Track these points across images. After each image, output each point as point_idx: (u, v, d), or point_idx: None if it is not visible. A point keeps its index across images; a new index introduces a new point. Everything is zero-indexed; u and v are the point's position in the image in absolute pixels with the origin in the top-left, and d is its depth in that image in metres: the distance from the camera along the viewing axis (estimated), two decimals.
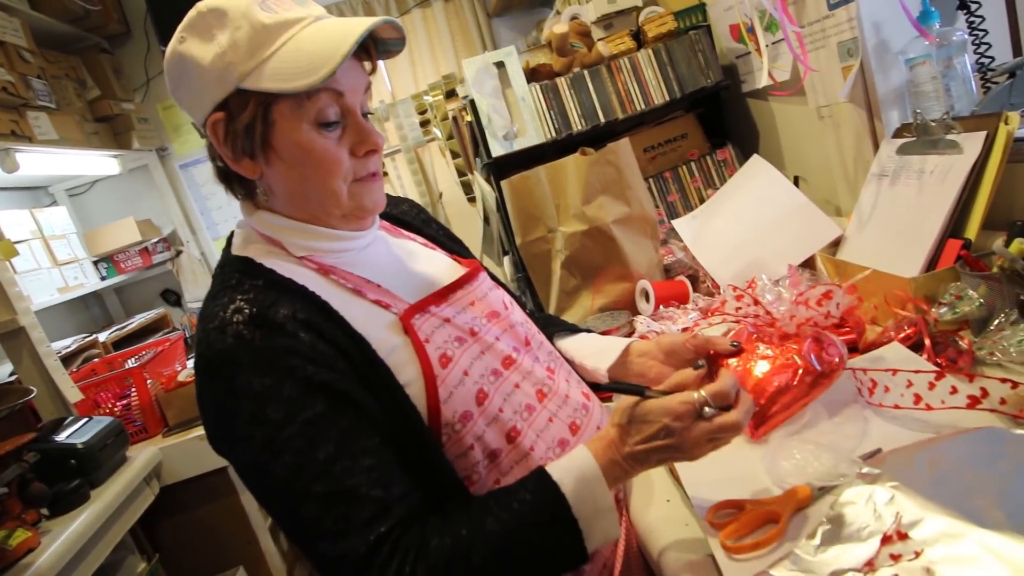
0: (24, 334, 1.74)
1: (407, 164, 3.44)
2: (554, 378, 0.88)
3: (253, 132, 0.75)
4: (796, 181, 1.60)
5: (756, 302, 0.98)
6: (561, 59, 1.88)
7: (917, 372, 0.82)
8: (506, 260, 2.05)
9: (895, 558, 0.59)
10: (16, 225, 2.61)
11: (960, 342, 0.91)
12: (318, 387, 0.69)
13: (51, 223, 2.83)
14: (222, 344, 0.69)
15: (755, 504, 0.74)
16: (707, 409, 0.68)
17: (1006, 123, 0.99)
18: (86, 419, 1.74)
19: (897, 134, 1.24)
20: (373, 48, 0.80)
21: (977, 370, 0.88)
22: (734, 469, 0.82)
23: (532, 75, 1.87)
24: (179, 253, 3.40)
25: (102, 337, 2.61)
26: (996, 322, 0.88)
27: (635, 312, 1.58)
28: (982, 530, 0.57)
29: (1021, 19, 1.31)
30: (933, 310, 0.95)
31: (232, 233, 0.85)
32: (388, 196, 0.90)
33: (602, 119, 1.84)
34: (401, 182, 3.48)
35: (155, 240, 3.25)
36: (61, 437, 1.63)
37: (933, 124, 1.11)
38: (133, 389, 2.06)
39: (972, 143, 1.03)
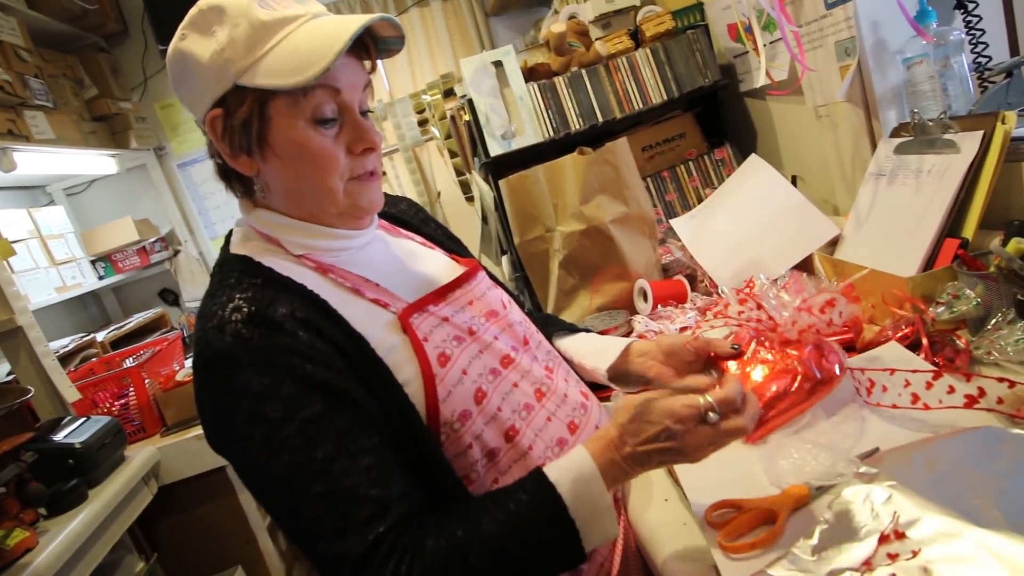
0: (22, 334, 1.74)
1: (405, 163, 3.44)
2: (552, 377, 0.88)
3: (250, 128, 0.75)
4: (794, 180, 1.60)
5: (759, 306, 0.98)
6: (559, 58, 1.88)
7: (915, 372, 0.82)
8: (504, 259, 2.05)
9: (892, 557, 0.59)
10: (13, 224, 2.60)
11: (957, 341, 0.91)
12: (317, 386, 0.69)
13: (48, 222, 2.82)
14: (221, 343, 0.69)
15: (753, 504, 0.74)
16: (711, 415, 0.67)
17: (1003, 122, 1.00)
18: (84, 419, 1.73)
19: (894, 133, 1.24)
20: (372, 46, 0.80)
21: (974, 369, 0.88)
22: (732, 469, 0.82)
23: (530, 74, 1.87)
24: (177, 252, 3.39)
25: (100, 337, 2.61)
26: (993, 321, 0.88)
27: (633, 311, 1.58)
28: (979, 529, 0.57)
29: (1018, 19, 1.31)
30: (930, 309, 0.95)
31: (231, 231, 0.85)
32: (386, 195, 0.90)
33: (600, 118, 1.84)
34: (399, 181, 3.48)
35: (153, 240, 3.24)
36: (59, 437, 1.62)
37: (930, 123, 1.11)
38: (131, 389, 2.05)
39: (969, 142, 1.03)
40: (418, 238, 0.99)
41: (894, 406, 0.83)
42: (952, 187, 1.04)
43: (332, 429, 0.69)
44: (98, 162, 3.06)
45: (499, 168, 1.81)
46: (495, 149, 1.81)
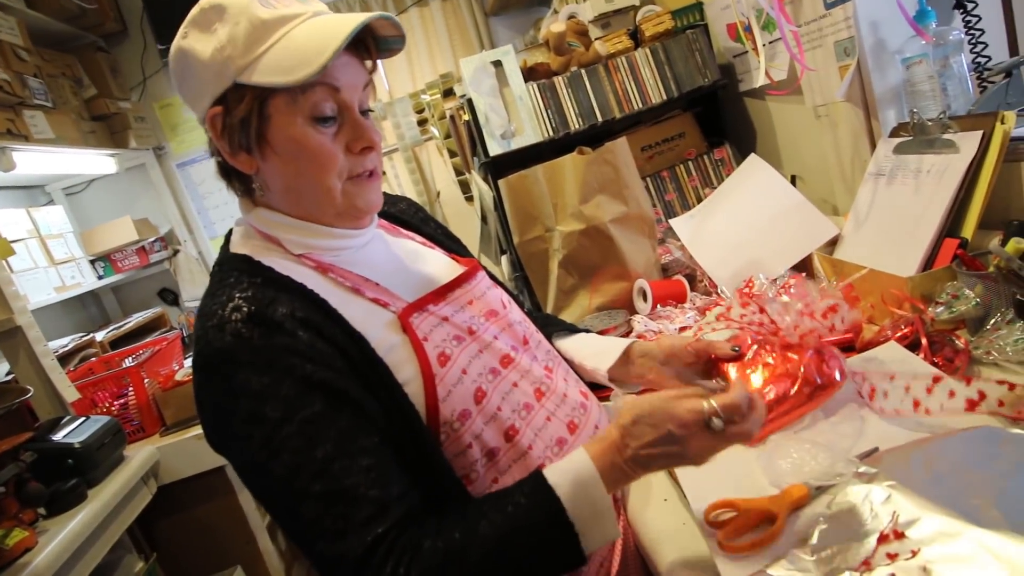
0: (21, 333, 1.74)
1: (404, 163, 3.44)
2: (552, 377, 0.88)
3: (249, 126, 0.75)
4: (793, 180, 1.60)
5: (762, 310, 0.97)
6: (558, 58, 1.88)
7: (915, 378, 0.82)
8: (504, 259, 2.05)
9: (892, 557, 0.59)
10: (12, 224, 2.60)
11: (957, 341, 0.91)
12: (317, 386, 0.69)
13: (48, 222, 2.82)
14: (220, 342, 0.69)
15: (752, 504, 0.74)
16: (715, 420, 0.66)
17: (1002, 122, 1.00)
18: (83, 418, 1.73)
19: (894, 133, 1.24)
20: (372, 45, 0.80)
21: (973, 369, 0.88)
22: (731, 469, 0.82)
23: (529, 74, 1.87)
24: (176, 252, 3.39)
25: (99, 336, 2.61)
26: (992, 321, 0.89)
27: (633, 311, 1.58)
28: (979, 529, 0.57)
29: (1017, 18, 1.31)
30: (930, 309, 0.95)
31: (231, 230, 0.85)
32: (385, 194, 0.90)
33: (599, 118, 1.84)
34: (399, 181, 3.48)
35: (152, 239, 3.24)
36: (58, 436, 1.62)
37: (930, 123, 1.11)
38: (130, 388, 2.05)
39: (968, 142, 1.03)
40: (418, 237, 0.98)
41: (897, 412, 0.83)
42: (951, 187, 1.04)
43: (332, 429, 0.69)
44: (97, 162, 3.06)
45: (498, 168, 1.81)
46: (494, 149, 1.81)
